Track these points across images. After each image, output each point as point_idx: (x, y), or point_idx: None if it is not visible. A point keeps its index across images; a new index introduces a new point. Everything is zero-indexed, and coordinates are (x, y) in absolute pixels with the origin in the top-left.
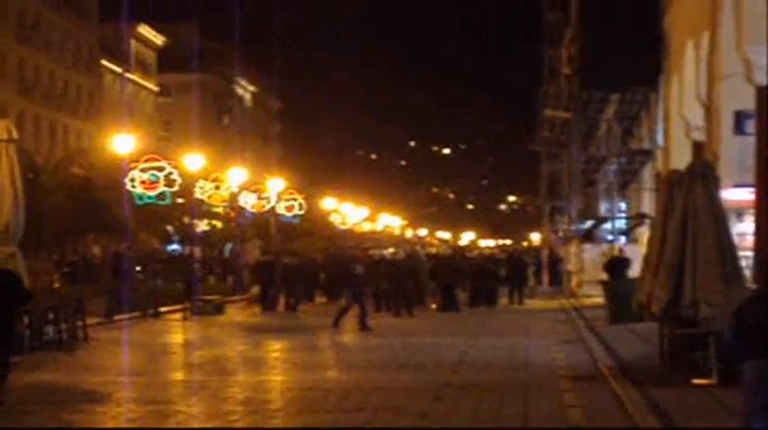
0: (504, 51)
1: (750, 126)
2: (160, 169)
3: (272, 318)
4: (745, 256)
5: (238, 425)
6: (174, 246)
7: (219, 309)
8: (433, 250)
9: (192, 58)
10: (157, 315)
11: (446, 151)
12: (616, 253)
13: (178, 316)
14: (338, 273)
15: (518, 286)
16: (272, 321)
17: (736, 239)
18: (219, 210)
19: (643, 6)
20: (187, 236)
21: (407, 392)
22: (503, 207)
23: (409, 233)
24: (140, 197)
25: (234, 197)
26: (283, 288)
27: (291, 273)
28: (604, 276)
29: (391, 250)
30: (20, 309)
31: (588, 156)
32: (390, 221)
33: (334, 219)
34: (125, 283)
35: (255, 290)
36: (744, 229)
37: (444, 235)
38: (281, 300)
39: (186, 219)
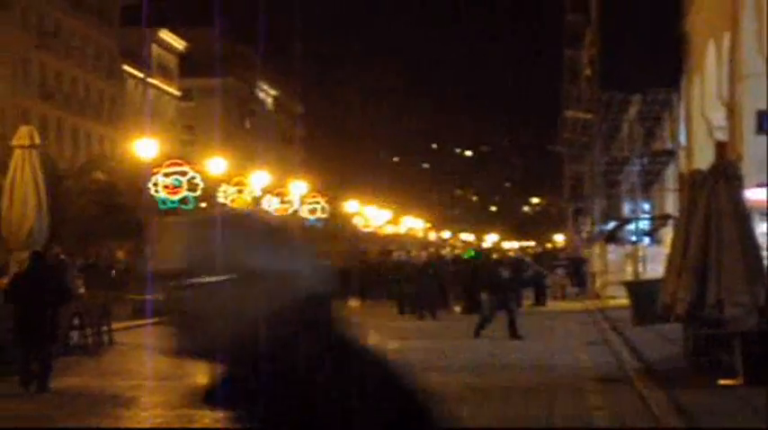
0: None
1: None
2: (183, 173)
3: None
4: None
5: None
6: None
7: None
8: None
9: (213, 63)
10: None
11: (468, 153)
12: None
13: None
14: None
15: (540, 288)
16: None
17: (760, 239)
18: None
19: (664, 7)
20: None
21: (432, 396)
22: (526, 209)
23: (432, 235)
24: (163, 202)
25: (257, 201)
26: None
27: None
28: (628, 277)
29: (414, 253)
30: (62, 306)
31: (611, 158)
32: (413, 224)
33: (357, 221)
34: (150, 288)
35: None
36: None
37: (468, 237)
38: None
39: None
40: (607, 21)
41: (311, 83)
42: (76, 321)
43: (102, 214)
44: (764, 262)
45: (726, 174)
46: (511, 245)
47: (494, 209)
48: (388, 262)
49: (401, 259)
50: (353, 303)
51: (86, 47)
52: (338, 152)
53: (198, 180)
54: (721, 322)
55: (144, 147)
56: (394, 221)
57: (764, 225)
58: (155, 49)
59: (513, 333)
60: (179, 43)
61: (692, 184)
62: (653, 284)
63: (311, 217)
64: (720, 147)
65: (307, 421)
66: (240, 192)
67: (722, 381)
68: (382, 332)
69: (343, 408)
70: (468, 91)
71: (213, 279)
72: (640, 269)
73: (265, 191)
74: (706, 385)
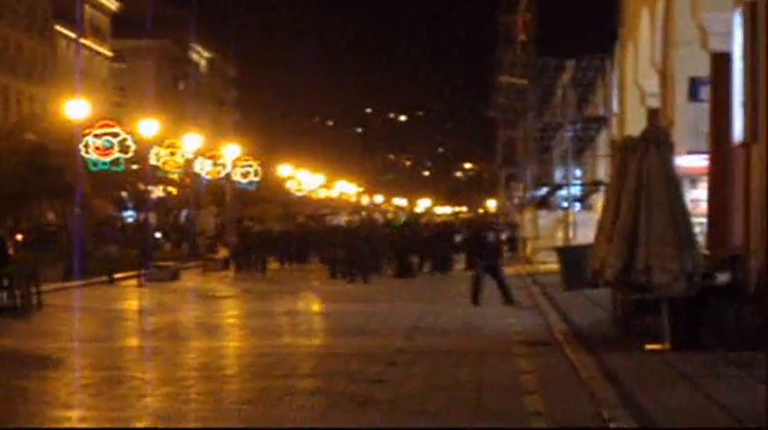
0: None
1: (705, 93)
2: (114, 135)
3: (233, 283)
4: (699, 223)
5: (192, 390)
6: (129, 213)
7: (175, 276)
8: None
9: (146, 24)
10: (112, 281)
11: (402, 118)
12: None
13: (133, 282)
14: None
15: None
16: (229, 287)
17: (689, 206)
18: (175, 176)
19: None
20: (142, 202)
21: (362, 358)
22: (459, 174)
23: (365, 200)
24: (94, 163)
25: (189, 163)
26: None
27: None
28: (559, 243)
29: (346, 217)
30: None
31: (544, 123)
32: (347, 188)
33: (291, 185)
34: (79, 250)
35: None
36: (697, 196)
37: (401, 202)
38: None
39: (141, 186)
40: None
41: (245, 44)
42: (5, 282)
43: (33, 175)
44: (693, 228)
45: (657, 140)
46: (443, 210)
47: (427, 174)
48: (322, 226)
49: (335, 223)
50: (289, 266)
51: (18, 6)
52: (272, 116)
53: (130, 142)
54: (649, 288)
55: (75, 108)
56: (327, 186)
57: (694, 192)
58: (87, 9)
59: (507, 298)
60: (112, 3)
61: (624, 151)
62: (583, 250)
63: (243, 180)
64: (652, 114)
65: None
66: (173, 154)
67: (649, 346)
68: (314, 294)
69: None
70: (403, 55)
71: None
72: (571, 235)
73: (197, 153)
74: (634, 349)
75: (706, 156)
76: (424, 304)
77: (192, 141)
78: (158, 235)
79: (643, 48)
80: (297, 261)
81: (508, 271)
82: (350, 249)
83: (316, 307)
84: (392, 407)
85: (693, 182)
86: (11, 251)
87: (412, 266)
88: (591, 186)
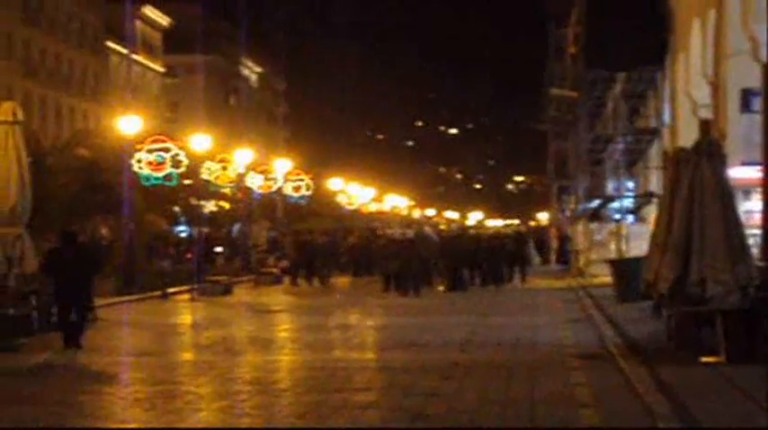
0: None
1: (757, 104)
2: (166, 150)
3: (285, 297)
4: (753, 234)
5: (246, 404)
6: (182, 227)
7: (227, 290)
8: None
9: (197, 39)
10: (165, 296)
11: (453, 131)
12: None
13: (186, 297)
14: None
15: (520, 265)
16: (281, 300)
17: (742, 217)
18: (227, 190)
19: None
20: (194, 217)
21: (415, 372)
22: (510, 187)
23: (417, 213)
24: (147, 178)
25: (241, 178)
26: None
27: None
28: (612, 255)
29: (400, 230)
30: (94, 275)
31: (595, 135)
32: (398, 202)
33: (341, 199)
34: (133, 265)
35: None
36: (751, 207)
37: (452, 215)
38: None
39: (193, 201)
40: None
41: (295, 59)
42: None
43: (86, 191)
44: (746, 240)
45: (709, 152)
46: (495, 223)
47: (478, 187)
48: (380, 239)
49: (394, 236)
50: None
51: (71, 23)
52: (322, 129)
53: (182, 157)
54: (703, 300)
55: (127, 123)
56: (378, 199)
57: (748, 203)
58: (139, 25)
59: None
60: (163, 19)
61: (676, 163)
62: (636, 262)
63: (295, 194)
64: (704, 126)
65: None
66: (224, 169)
67: (704, 359)
68: (367, 308)
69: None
70: (454, 68)
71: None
72: (623, 247)
73: (249, 168)
74: (688, 362)
75: (759, 167)
76: (477, 317)
77: (243, 156)
78: (219, 248)
79: (694, 59)
80: (365, 273)
81: (560, 283)
82: (401, 263)
83: (368, 320)
84: (446, 420)
85: (746, 193)
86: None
87: (464, 279)
88: (643, 198)
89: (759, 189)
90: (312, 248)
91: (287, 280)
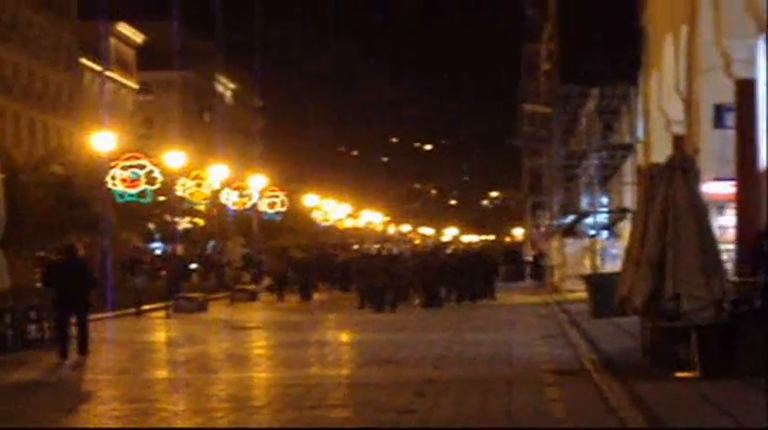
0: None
1: (730, 119)
2: (141, 167)
3: (259, 313)
4: (727, 249)
5: (222, 421)
6: (156, 244)
7: (202, 307)
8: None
9: (172, 56)
10: (140, 313)
11: (428, 147)
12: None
13: (161, 314)
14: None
15: (488, 282)
16: (256, 317)
17: (716, 232)
18: (201, 207)
19: (622, 1)
20: (169, 234)
21: (390, 388)
22: (485, 202)
23: (392, 229)
24: (121, 195)
25: (215, 194)
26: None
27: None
28: (586, 271)
29: (375, 247)
30: (91, 289)
31: (569, 151)
32: (373, 218)
33: (317, 215)
34: (107, 282)
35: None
36: (725, 223)
37: (427, 230)
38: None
39: (168, 217)
40: (565, 14)
41: (269, 75)
42: (34, 315)
43: (60, 207)
44: (721, 255)
45: (683, 167)
46: (470, 238)
47: (453, 202)
48: (355, 255)
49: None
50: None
51: (44, 39)
52: (297, 146)
53: (156, 173)
54: (678, 315)
55: (102, 140)
56: (353, 215)
57: (722, 218)
58: (113, 41)
59: None
60: (137, 36)
61: (650, 178)
62: (611, 277)
63: (270, 210)
64: (678, 141)
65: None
66: (199, 185)
67: (679, 374)
68: (342, 324)
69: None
70: (428, 84)
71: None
72: (598, 262)
73: (224, 184)
74: (663, 378)
75: (732, 182)
76: (452, 333)
77: (218, 172)
78: (194, 265)
79: (667, 75)
80: (341, 289)
81: (535, 299)
82: (374, 279)
83: (343, 337)
84: None
85: (720, 208)
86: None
87: (439, 296)
88: (617, 214)
89: (733, 204)
90: (305, 265)
91: (263, 296)
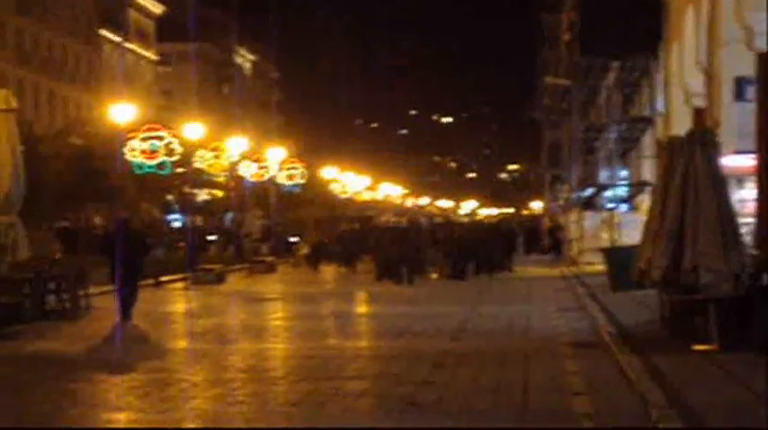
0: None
1: (750, 92)
2: (160, 138)
3: (277, 285)
4: (746, 223)
5: (240, 392)
6: (175, 216)
7: (221, 279)
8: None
9: (190, 27)
10: (159, 284)
11: (447, 120)
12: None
13: (180, 285)
14: None
15: (506, 254)
16: (275, 289)
17: (736, 206)
18: (220, 179)
19: None
20: (187, 205)
21: (408, 360)
22: (504, 175)
23: (410, 202)
24: (140, 166)
25: (234, 166)
26: None
27: None
28: (605, 244)
29: (393, 219)
30: (143, 256)
31: (589, 124)
32: (391, 190)
33: (335, 187)
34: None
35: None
36: (744, 196)
37: (445, 203)
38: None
39: (186, 189)
40: None
41: (288, 46)
42: (53, 286)
43: (79, 179)
44: (739, 229)
45: (703, 140)
46: (489, 211)
47: (472, 175)
48: (375, 227)
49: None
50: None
51: (63, 11)
52: (316, 118)
53: (175, 145)
54: (696, 288)
55: (120, 111)
56: (372, 188)
57: (741, 192)
58: (132, 13)
59: None
60: (156, 7)
61: (670, 151)
62: (629, 251)
63: (289, 182)
64: (698, 114)
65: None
66: (217, 157)
67: (697, 347)
68: (361, 296)
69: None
70: (447, 56)
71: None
72: (616, 236)
73: (243, 156)
74: (681, 350)
75: (752, 155)
76: (470, 305)
77: (236, 144)
78: (212, 237)
79: (688, 47)
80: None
81: (553, 272)
82: (395, 251)
83: (362, 309)
84: (439, 408)
85: (740, 182)
86: (58, 254)
87: (465, 269)
88: (636, 187)
89: (752, 177)
90: (352, 237)
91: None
